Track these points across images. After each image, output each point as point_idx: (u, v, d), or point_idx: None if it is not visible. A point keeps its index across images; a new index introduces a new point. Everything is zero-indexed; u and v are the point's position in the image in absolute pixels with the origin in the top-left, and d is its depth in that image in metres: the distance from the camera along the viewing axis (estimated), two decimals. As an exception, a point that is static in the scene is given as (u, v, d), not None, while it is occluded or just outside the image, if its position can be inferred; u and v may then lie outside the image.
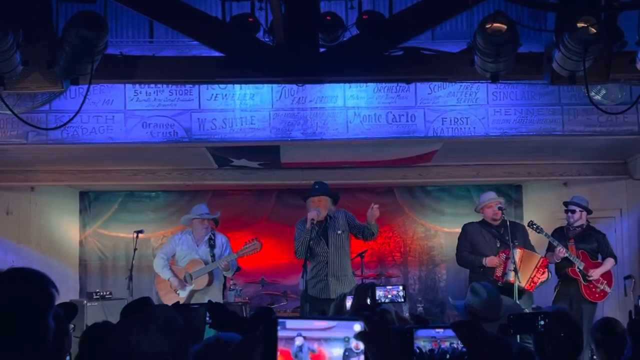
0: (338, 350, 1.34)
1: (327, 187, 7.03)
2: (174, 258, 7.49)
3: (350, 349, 1.34)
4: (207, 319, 3.56)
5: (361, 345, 1.33)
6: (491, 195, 7.33)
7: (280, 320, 1.35)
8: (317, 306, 6.73)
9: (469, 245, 7.19)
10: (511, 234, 6.89)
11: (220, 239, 7.48)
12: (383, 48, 4.99)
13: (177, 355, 2.11)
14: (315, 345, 1.34)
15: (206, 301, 6.59)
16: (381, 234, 10.52)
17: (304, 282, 6.70)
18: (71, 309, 3.98)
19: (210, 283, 7.27)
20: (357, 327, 1.34)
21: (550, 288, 7.77)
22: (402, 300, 4.57)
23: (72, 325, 3.93)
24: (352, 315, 1.32)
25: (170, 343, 2.12)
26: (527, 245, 7.15)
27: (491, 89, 7.13)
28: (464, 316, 4.21)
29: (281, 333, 1.34)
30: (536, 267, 6.95)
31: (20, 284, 2.01)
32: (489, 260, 6.92)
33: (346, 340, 1.35)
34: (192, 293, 7.23)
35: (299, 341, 1.33)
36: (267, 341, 1.33)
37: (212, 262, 7.22)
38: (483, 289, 4.16)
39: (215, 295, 7.28)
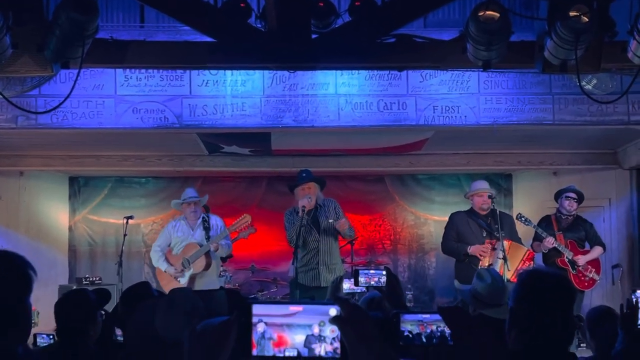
0: (300, 337, 1.33)
1: (312, 173, 7.03)
2: (170, 247, 7.42)
3: (312, 335, 1.33)
4: None
5: (337, 330, 1.32)
6: (483, 184, 7.34)
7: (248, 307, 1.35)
8: (307, 294, 6.74)
9: (455, 234, 7.20)
10: (499, 224, 6.92)
11: (215, 219, 7.45)
12: (375, 35, 4.97)
13: None
14: (277, 332, 1.33)
15: (205, 285, 6.60)
16: (371, 221, 10.58)
17: (294, 269, 6.71)
18: (104, 295, 3.96)
19: (208, 265, 7.21)
20: (333, 311, 1.33)
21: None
22: (385, 285, 4.57)
23: (103, 312, 3.90)
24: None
25: (194, 324, 2.14)
26: (513, 236, 7.17)
27: (482, 77, 7.13)
28: (469, 300, 4.23)
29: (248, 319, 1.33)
30: (522, 259, 6.97)
31: None
32: (474, 249, 6.94)
33: (309, 326, 1.33)
34: (193, 277, 7.18)
35: (261, 327, 1.33)
36: (241, 326, 1.33)
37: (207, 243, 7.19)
38: (489, 274, 4.18)
39: (213, 279, 7.27)
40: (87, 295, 3.63)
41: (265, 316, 1.33)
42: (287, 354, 1.31)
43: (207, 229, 7.29)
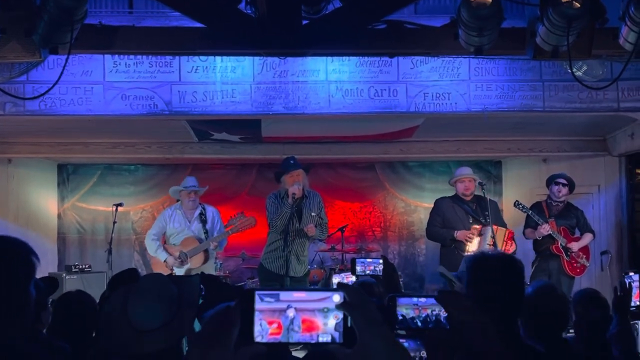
0: (332, 321, 1.33)
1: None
2: (165, 235, 7.31)
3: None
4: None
5: (340, 316, 1.32)
6: (464, 170, 7.31)
7: (274, 292, 1.34)
8: (274, 282, 6.60)
9: (441, 220, 7.17)
10: (484, 209, 6.93)
11: (211, 212, 7.30)
12: (366, 21, 4.95)
13: (172, 324, 2.10)
14: (308, 317, 1.33)
15: None
16: (362, 209, 10.59)
17: (284, 255, 6.66)
18: (52, 283, 3.95)
19: (206, 260, 7.12)
20: (337, 297, 1.33)
21: (528, 263, 7.86)
22: (381, 273, 4.58)
23: (51, 299, 3.90)
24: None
25: (166, 311, 2.11)
26: (498, 222, 7.16)
27: (473, 64, 7.13)
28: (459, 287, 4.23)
29: (274, 305, 1.32)
30: (504, 240, 6.98)
31: (1, 252, 1.97)
32: (460, 234, 6.92)
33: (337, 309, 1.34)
34: (189, 272, 7.10)
35: (291, 313, 1.32)
36: (244, 314, 1.32)
37: (206, 238, 7.08)
38: None
39: (210, 271, 7.21)
40: (37, 282, 3.62)
41: (295, 302, 1.33)
42: (320, 339, 1.31)
43: (204, 222, 7.16)
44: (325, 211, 7.08)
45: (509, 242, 7.00)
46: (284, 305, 1.32)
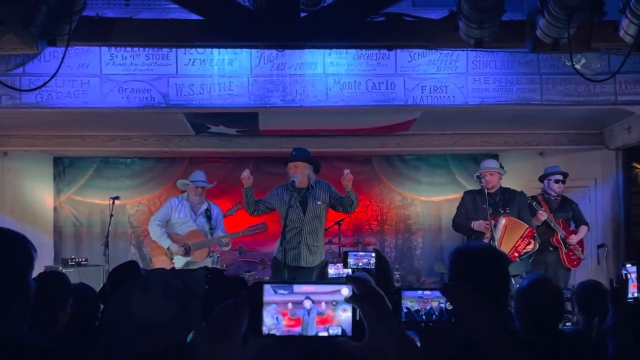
0: (347, 314, 1.32)
1: (307, 153, 6.97)
2: (168, 224, 7.38)
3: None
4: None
5: (349, 309, 1.31)
6: (486, 164, 7.31)
7: (287, 285, 1.33)
8: (288, 273, 6.65)
9: (464, 212, 7.24)
10: (507, 202, 6.95)
11: (216, 210, 7.49)
12: (365, 13, 4.93)
13: (179, 318, 2.09)
14: (323, 308, 1.32)
15: None
16: (358, 202, 10.57)
17: (282, 249, 6.68)
18: (87, 294, 3.91)
19: (207, 256, 7.27)
20: (345, 290, 1.32)
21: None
22: (374, 267, 4.58)
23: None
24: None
25: (172, 306, 2.10)
26: (522, 213, 7.12)
27: (471, 57, 7.11)
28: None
29: (290, 297, 1.31)
30: (522, 237, 6.91)
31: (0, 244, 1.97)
32: (477, 225, 6.96)
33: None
34: (188, 265, 7.16)
35: (307, 304, 1.31)
36: (252, 307, 1.31)
37: (211, 234, 7.25)
38: None
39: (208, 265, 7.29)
40: (64, 280, 3.59)
41: (312, 293, 1.32)
42: (331, 331, 1.30)
43: (209, 217, 7.30)
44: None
45: (527, 239, 6.91)
46: (301, 297, 1.32)
